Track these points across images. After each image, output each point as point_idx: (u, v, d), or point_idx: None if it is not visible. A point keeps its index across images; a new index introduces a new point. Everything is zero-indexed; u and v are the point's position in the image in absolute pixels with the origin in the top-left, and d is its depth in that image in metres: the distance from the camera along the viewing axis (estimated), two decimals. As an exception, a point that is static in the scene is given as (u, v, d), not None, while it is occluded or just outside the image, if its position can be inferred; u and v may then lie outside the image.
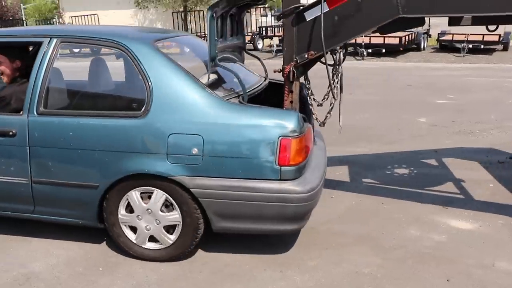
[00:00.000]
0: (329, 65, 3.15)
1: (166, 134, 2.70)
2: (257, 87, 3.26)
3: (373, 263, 2.92)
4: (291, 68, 3.03)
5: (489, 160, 4.82)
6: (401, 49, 15.75)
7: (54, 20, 27.59)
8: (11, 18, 29.64)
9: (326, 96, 3.30)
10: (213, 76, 3.01)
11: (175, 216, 2.83)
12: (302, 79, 3.23)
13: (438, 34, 16.56)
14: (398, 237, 3.25)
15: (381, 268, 2.87)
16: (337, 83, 3.25)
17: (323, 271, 2.84)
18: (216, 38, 2.86)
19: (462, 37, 14.92)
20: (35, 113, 2.91)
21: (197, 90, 2.76)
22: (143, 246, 2.95)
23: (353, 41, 15.80)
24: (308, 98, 3.33)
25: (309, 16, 2.93)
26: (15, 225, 3.36)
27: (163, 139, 2.70)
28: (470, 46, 14.70)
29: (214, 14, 2.78)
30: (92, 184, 2.86)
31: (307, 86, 3.33)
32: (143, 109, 2.75)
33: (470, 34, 14.25)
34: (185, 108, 2.74)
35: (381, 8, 2.73)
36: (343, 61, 3.26)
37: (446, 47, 15.94)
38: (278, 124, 2.66)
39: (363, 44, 14.92)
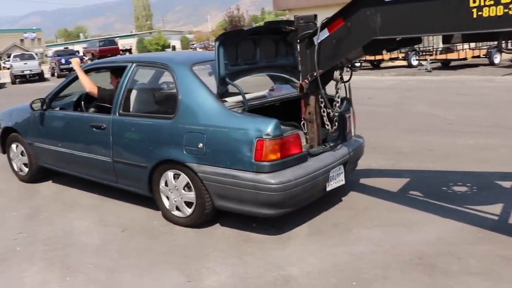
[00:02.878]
0: (345, 81, 3.96)
1: (184, 131, 3.76)
2: (271, 99, 4.30)
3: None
4: (304, 84, 3.80)
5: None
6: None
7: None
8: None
9: (337, 108, 3.94)
10: (228, 90, 3.97)
11: (192, 195, 3.80)
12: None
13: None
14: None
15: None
16: (338, 97, 3.94)
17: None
18: (226, 62, 3.76)
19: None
20: (117, 114, 4.27)
21: (209, 101, 3.76)
22: (172, 212, 4.00)
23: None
24: (322, 109, 3.95)
25: (317, 40, 3.56)
26: (272, 227, 3.83)
27: (182, 135, 3.76)
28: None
29: (222, 42, 3.71)
30: (143, 165, 4.04)
31: (320, 99, 3.91)
32: (173, 113, 3.86)
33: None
34: (198, 114, 3.76)
35: (363, 31, 3.24)
36: (350, 77, 3.96)
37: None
38: (257, 128, 3.46)
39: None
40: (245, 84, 4.33)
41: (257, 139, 3.43)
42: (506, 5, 2.52)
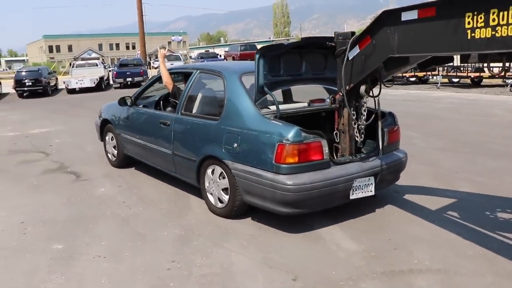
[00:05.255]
0: (374, 96, 4.23)
1: (225, 132, 4.31)
2: (305, 109, 4.70)
3: None
4: (337, 97, 4.17)
5: None
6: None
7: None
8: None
9: (364, 121, 4.21)
10: (266, 98, 4.52)
11: (226, 184, 4.33)
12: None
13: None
14: None
15: None
16: (364, 111, 4.19)
17: None
18: (265, 72, 4.18)
19: None
20: (179, 114, 5.02)
21: (248, 106, 4.26)
22: (212, 203, 4.58)
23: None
24: (353, 122, 4.19)
25: (350, 56, 3.88)
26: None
27: (222, 135, 4.32)
28: None
29: (262, 55, 4.12)
30: (193, 158, 4.70)
31: (352, 112, 4.13)
32: (219, 115, 4.45)
33: None
34: (237, 117, 4.28)
35: (384, 48, 3.50)
36: (379, 92, 4.24)
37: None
38: (279, 133, 3.87)
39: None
40: (302, 94, 5.12)
41: (278, 143, 3.82)
42: (493, 28, 2.66)
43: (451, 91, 17.80)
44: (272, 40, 74.90)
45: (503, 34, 2.62)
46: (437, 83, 19.61)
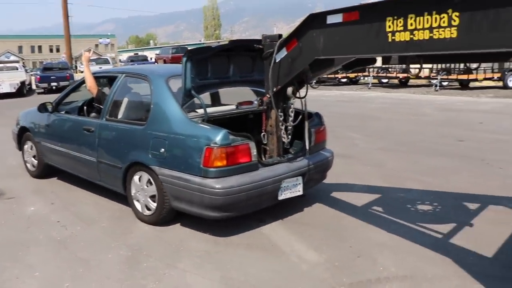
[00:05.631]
0: (300, 97, 4.26)
1: (151, 137, 4.23)
2: (232, 112, 4.72)
3: None
4: (265, 99, 4.18)
5: None
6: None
7: None
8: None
9: (291, 122, 4.27)
10: (194, 101, 4.33)
11: (153, 191, 4.23)
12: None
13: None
14: None
15: None
16: (291, 112, 4.26)
17: None
18: (193, 76, 4.15)
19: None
20: (104, 119, 4.87)
21: (174, 110, 4.20)
22: (139, 210, 4.45)
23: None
24: (281, 123, 4.23)
25: (278, 58, 3.94)
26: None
27: (149, 141, 4.23)
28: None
29: (189, 58, 4.09)
30: (118, 165, 4.57)
31: (279, 113, 4.18)
32: (146, 120, 4.37)
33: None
34: (164, 122, 4.22)
35: (310, 51, 3.59)
36: (306, 93, 4.25)
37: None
38: (206, 137, 3.84)
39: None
40: (230, 96, 5.15)
41: (206, 146, 3.80)
42: (411, 32, 2.81)
43: (382, 91, 18.51)
44: (203, 43, 74.47)
45: (419, 38, 2.78)
46: (368, 83, 20.29)
